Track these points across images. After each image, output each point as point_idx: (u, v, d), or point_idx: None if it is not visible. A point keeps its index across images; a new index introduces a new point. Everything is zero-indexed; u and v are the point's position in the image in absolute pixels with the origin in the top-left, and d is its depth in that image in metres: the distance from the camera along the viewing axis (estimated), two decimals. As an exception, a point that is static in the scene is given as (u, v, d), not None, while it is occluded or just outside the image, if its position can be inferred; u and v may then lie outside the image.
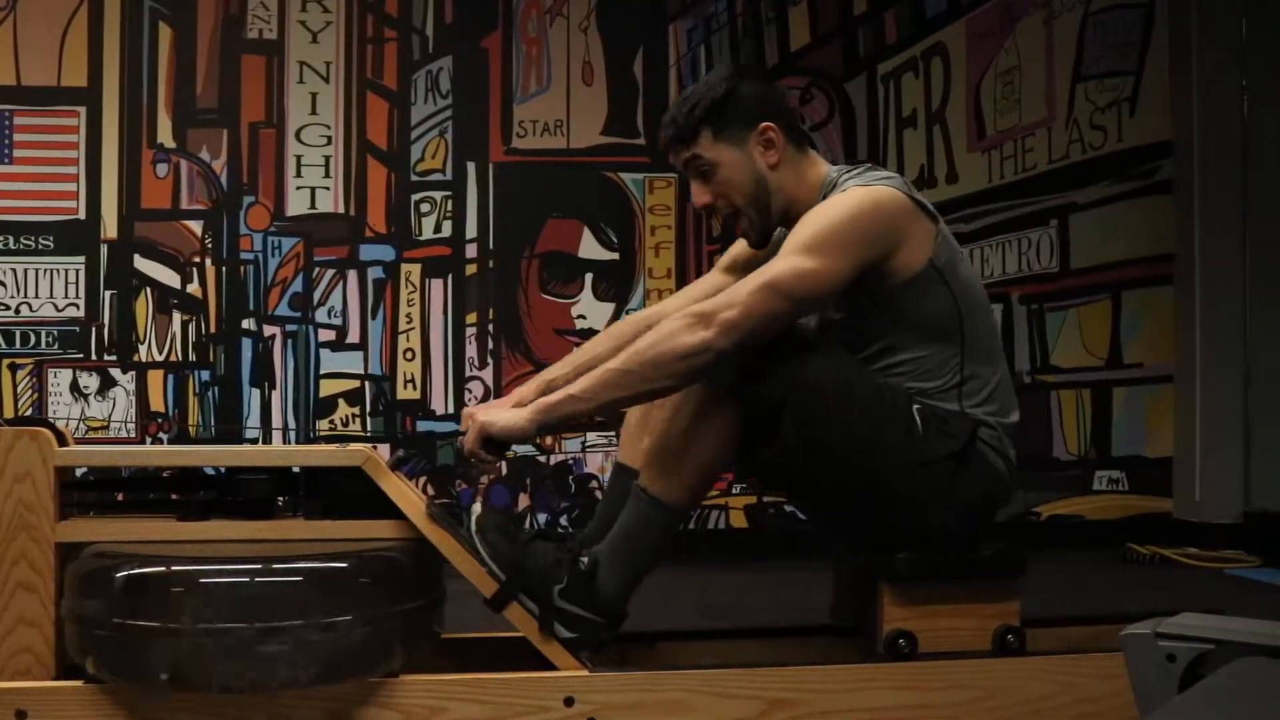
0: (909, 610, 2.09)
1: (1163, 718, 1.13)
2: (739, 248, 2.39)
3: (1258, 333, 4.79)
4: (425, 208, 4.79)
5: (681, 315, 1.99)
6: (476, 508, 2.07)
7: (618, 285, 4.85)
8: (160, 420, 4.63)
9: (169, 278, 4.64)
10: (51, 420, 2.15)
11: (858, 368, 2.11)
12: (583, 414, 2.05)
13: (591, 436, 4.80)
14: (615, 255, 4.85)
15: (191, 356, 4.65)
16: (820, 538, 2.46)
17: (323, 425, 4.72)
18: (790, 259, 2.01)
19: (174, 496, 2.19)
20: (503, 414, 2.06)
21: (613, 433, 4.80)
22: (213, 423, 4.66)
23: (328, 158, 4.74)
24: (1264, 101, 4.80)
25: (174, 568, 1.86)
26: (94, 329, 4.60)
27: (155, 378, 4.63)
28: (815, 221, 2.05)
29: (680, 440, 2.04)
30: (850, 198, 2.07)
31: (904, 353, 2.12)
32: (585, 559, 2.06)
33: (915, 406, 2.08)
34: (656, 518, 2.07)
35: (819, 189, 2.20)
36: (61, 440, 2.02)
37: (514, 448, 2.09)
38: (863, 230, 2.04)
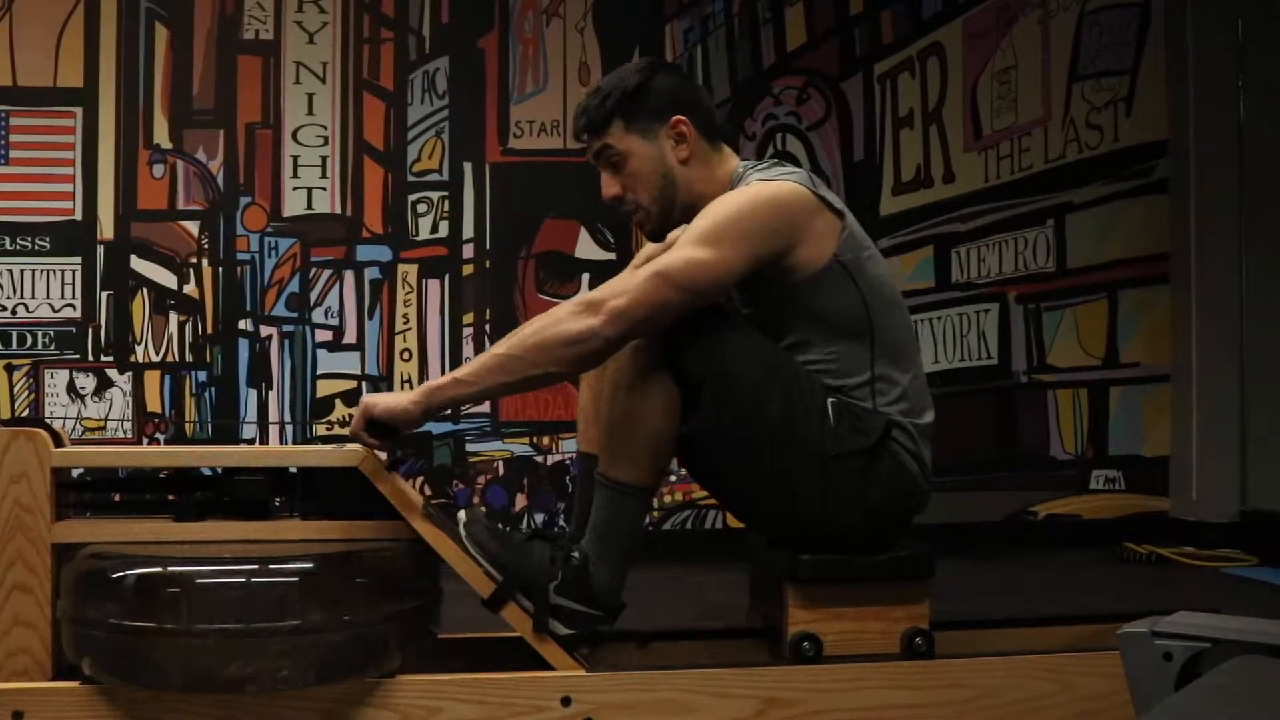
0: (814, 612, 2.07)
1: (1159, 716, 1.13)
2: (652, 247, 2.37)
3: (1254, 332, 4.80)
4: (422, 208, 4.79)
5: (570, 302, 1.99)
6: (462, 515, 2.06)
7: (614, 285, 4.84)
8: (157, 421, 4.63)
9: (166, 278, 4.64)
10: (48, 421, 2.16)
11: (780, 354, 2.10)
12: (469, 398, 2.04)
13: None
14: (612, 255, 4.85)
15: (188, 357, 4.65)
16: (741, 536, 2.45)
17: (320, 426, 4.72)
18: (684, 250, 2.00)
19: (170, 497, 2.18)
20: (387, 396, 2.05)
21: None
22: (209, 422, 4.65)
23: (324, 158, 4.74)
24: (1259, 100, 4.81)
25: (170, 569, 1.86)
26: (91, 330, 4.60)
27: (152, 378, 4.63)
28: (712, 213, 2.04)
29: (626, 419, 2.03)
30: (749, 191, 2.07)
31: (813, 350, 2.11)
32: (576, 554, 2.06)
33: (830, 399, 2.06)
34: (626, 502, 2.07)
35: (727, 184, 2.19)
36: (58, 441, 2.01)
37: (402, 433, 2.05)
38: (759, 223, 2.03)
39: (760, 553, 2.29)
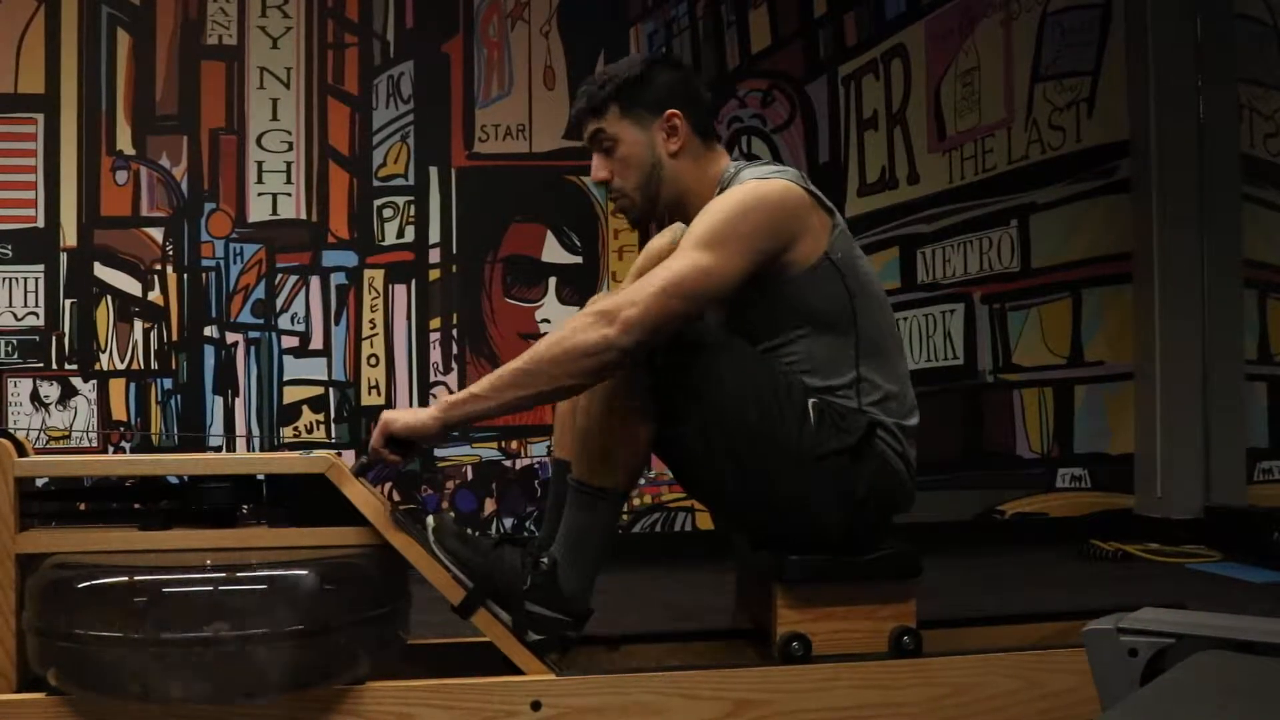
0: (802, 613, 2.09)
1: (1124, 712, 1.14)
2: (657, 244, 2.38)
3: (1215, 329, 4.84)
4: (388, 213, 4.78)
5: (583, 314, 1.99)
6: (430, 520, 2.06)
7: (581, 289, 4.85)
8: (122, 429, 4.60)
9: (130, 285, 4.61)
10: (11, 430, 2.14)
11: (756, 357, 2.11)
12: (487, 413, 2.03)
13: (557, 440, 4.79)
14: (579, 259, 4.85)
15: (153, 365, 4.62)
16: (723, 539, 2.46)
17: (286, 432, 4.69)
18: (689, 255, 2.01)
19: (136, 506, 2.17)
20: (406, 412, 2.05)
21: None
22: (175, 431, 4.62)
23: (289, 163, 4.72)
24: (1219, 100, 4.86)
25: (136, 578, 1.85)
26: (54, 338, 4.56)
27: (117, 386, 4.59)
28: (712, 216, 2.06)
29: (601, 423, 2.05)
30: (746, 191, 2.08)
31: (797, 346, 2.12)
32: (545, 560, 2.06)
33: (811, 400, 2.07)
34: (598, 507, 2.08)
35: (717, 183, 2.21)
36: (21, 450, 2.00)
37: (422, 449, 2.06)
38: (758, 223, 2.04)
39: (746, 554, 2.30)
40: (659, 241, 2.38)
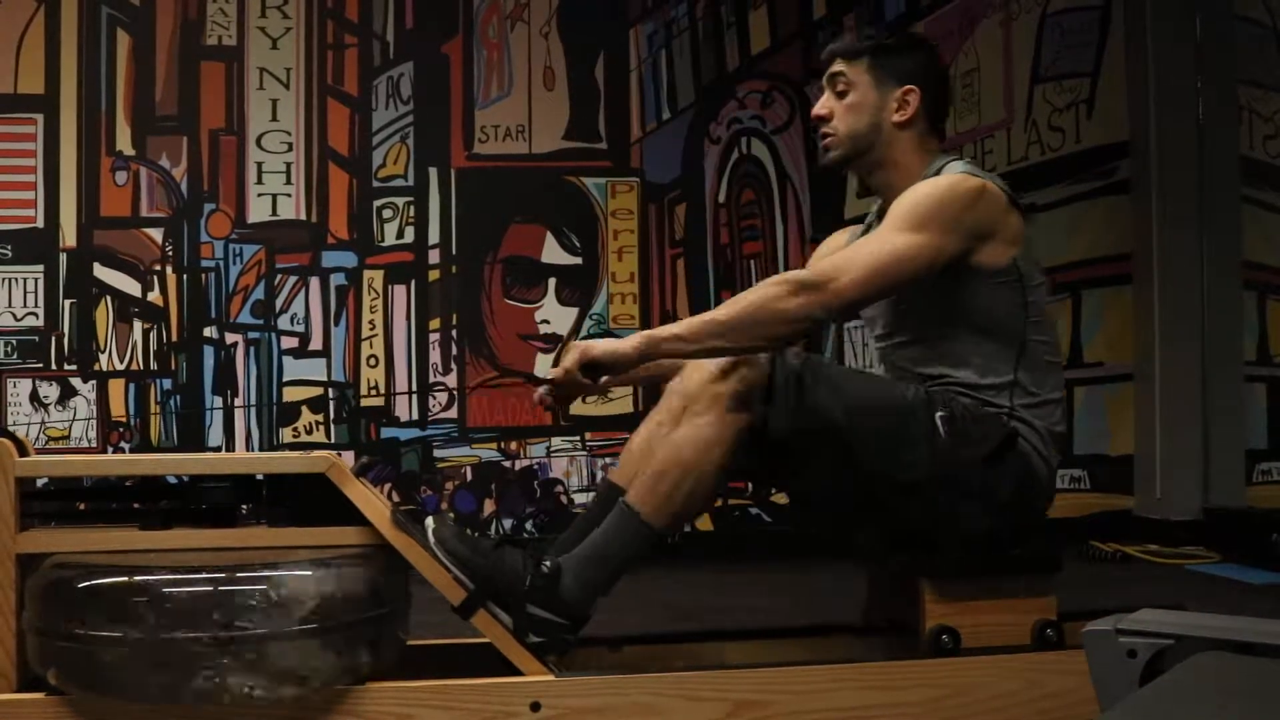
0: (950, 607, 2.13)
1: (1123, 713, 1.14)
2: (836, 240, 2.47)
3: (1215, 331, 4.84)
4: (387, 214, 4.78)
5: (786, 280, 2.04)
6: (430, 521, 2.06)
7: (581, 290, 4.85)
8: (122, 429, 4.60)
9: (129, 286, 4.61)
10: (11, 430, 2.13)
11: (868, 384, 2.16)
12: (683, 354, 2.07)
13: (556, 441, 4.80)
14: (578, 260, 4.85)
15: (153, 365, 4.62)
16: (838, 540, 2.49)
17: (286, 433, 4.69)
18: (894, 235, 2.06)
19: (136, 506, 2.17)
20: (604, 340, 2.10)
21: (577, 438, 4.80)
22: (174, 431, 4.62)
23: (289, 164, 4.72)
24: (1218, 102, 4.86)
25: (136, 578, 1.85)
26: (54, 338, 4.56)
27: (116, 387, 4.59)
28: (916, 200, 2.10)
29: (676, 465, 2.06)
30: (951, 180, 2.13)
31: (960, 345, 2.16)
32: (549, 563, 2.05)
33: (939, 413, 2.09)
34: (637, 534, 2.08)
35: (924, 166, 2.25)
36: (22, 450, 2.00)
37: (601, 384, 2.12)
38: (959, 214, 2.09)
39: (879, 552, 2.34)
40: (838, 239, 2.46)
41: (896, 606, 2.28)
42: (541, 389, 2.14)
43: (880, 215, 2.28)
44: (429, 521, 2.06)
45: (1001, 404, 2.14)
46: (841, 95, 2.28)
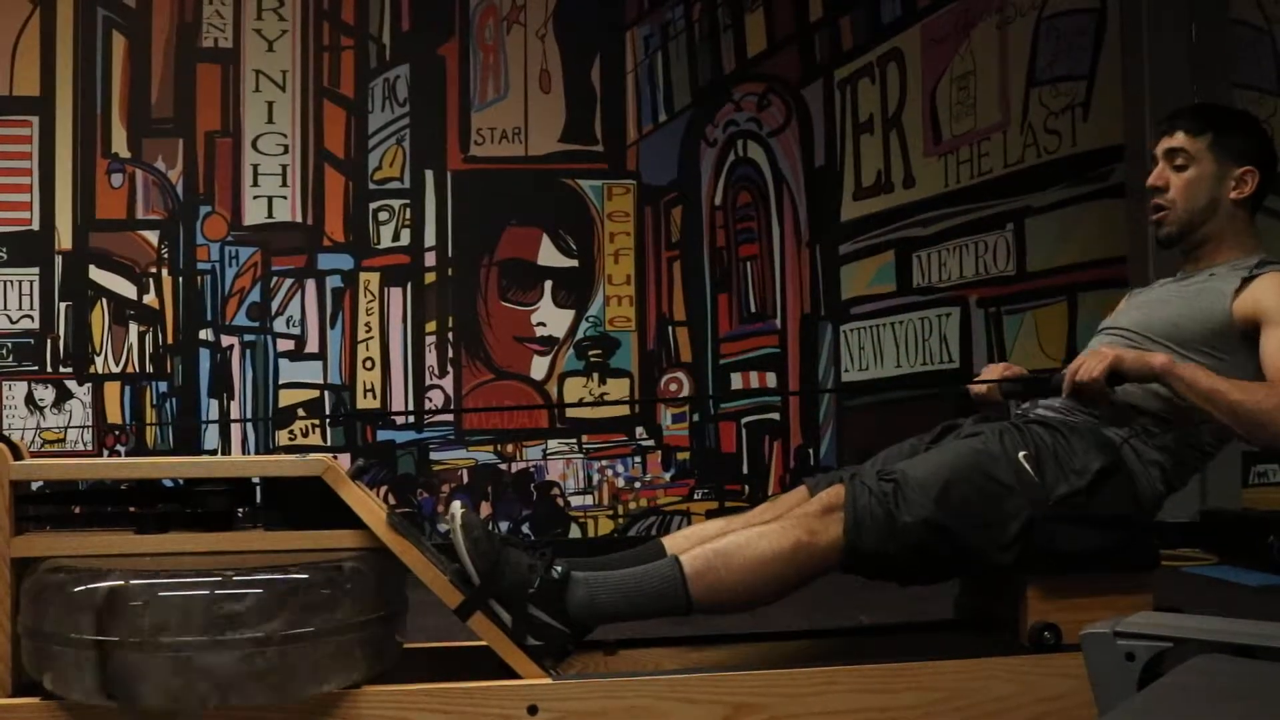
0: (1051, 604, 2.16)
1: (1121, 716, 1.14)
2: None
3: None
4: (383, 216, 4.78)
5: None
6: (456, 505, 2.06)
7: (577, 292, 4.85)
8: (118, 432, 4.59)
9: (125, 289, 4.60)
10: (6, 434, 2.13)
11: (947, 464, 2.17)
12: (1194, 394, 2.12)
13: (552, 444, 4.80)
14: (574, 262, 4.85)
15: (149, 368, 4.61)
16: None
17: (282, 436, 4.69)
18: None
19: (132, 509, 2.16)
20: (1130, 350, 2.19)
21: (574, 439, 4.80)
22: (170, 434, 4.62)
23: (284, 166, 4.72)
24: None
25: (132, 582, 1.84)
26: (49, 341, 4.55)
27: (112, 389, 4.59)
28: None
29: (742, 560, 2.09)
30: None
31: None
32: (560, 568, 2.05)
33: (1022, 453, 2.16)
34: (673, 595, 2.09)
35: (1243, 248, 2.33)
36: (17, 454, 1.99)
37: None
38: None
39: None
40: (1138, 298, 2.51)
41: (994, 602, 2.31)
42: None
43: (1184, 279, 2.37)
44: (455, 506, 2.07)
45: (1166, 440, 2.23)
46: (1180, 169, 2.34)
